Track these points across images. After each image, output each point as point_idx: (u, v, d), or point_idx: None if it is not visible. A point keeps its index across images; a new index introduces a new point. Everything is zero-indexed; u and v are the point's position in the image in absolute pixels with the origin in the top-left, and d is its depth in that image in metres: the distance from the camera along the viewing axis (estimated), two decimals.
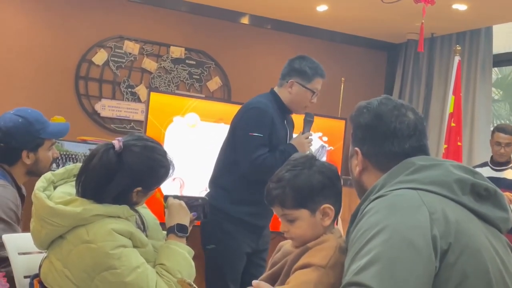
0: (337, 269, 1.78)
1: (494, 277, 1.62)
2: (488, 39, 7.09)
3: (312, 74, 3.91)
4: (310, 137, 3.88)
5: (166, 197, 2.55)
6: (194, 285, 1.84)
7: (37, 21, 6.44)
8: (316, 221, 1.86)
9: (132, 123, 6.86)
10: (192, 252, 2.38)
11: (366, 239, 1.61)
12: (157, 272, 2.25)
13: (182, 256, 2.32)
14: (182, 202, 2.42)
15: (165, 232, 2.51)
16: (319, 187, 1.87)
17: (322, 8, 6.84)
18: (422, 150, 1.84)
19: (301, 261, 1.80)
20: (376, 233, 1.60)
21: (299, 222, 1.86)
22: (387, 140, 1.83)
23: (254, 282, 1.81)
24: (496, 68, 7.31)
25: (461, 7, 6.28)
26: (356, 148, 1.89)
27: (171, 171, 2.41)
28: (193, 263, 2.37)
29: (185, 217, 2.41)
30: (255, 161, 3.65)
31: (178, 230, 2.37)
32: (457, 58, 6.17)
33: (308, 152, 3.67)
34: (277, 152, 3.69)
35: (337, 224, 5.90)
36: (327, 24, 7.49)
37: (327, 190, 1.89)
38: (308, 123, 3.93)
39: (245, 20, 7.37)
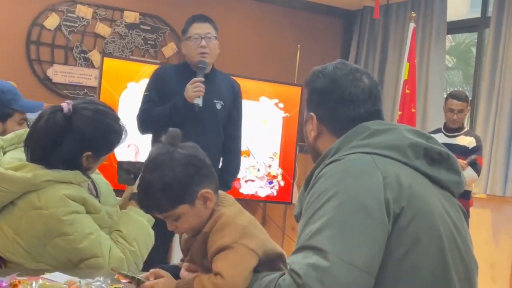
0: (252, 232, 1.74)
1: (446, 240, 1.64)
2: (442, 7, 7.12)
3: (187, 24, 3.97)
4: (199, 84, 3.77)
5: (119, 164, 2.52)
6: (131, 274, 1.80)
7: None
8: (199, 209, 1.76)
9: (85, 89, 6.75)
10: (153, 220, 2.34)
11: (320, 203, 1.62)
12: (112, 239, 2.23)
13: (140, 224, 2.30)
14: None
15: (119, 198, 2.49)
16: (188, 178, 1.76)
17: None
18: (376, 115, 1.83)
19: (214, 245, 1.72)
20: (330, 197, 1.61)
21: (183, 217, 1.76)
22: (342, 104, 1.82)
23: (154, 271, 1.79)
24: (450, 36, 7.35)
25: None
26: (311, 113, 1.87)
27: (123, 137, 2.35)
28: (151, 232, 2.35)
29: None
30: (139, 116, 3.89)
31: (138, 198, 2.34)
32: (412, 25, 6.21)
33: (196, 99, 3.72)
34: (166, 105, 3.81)
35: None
36: None
37: (196, 177, 1.78)
38: (199, 70, 3.85)
39: None
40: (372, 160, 1.68)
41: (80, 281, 1.80)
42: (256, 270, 1.71)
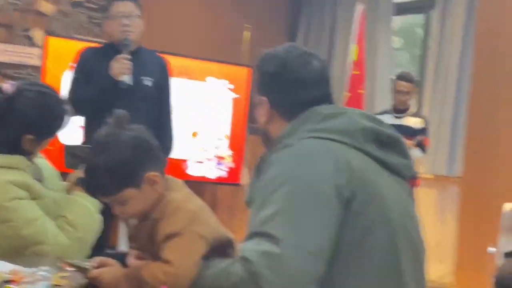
0: (201, 218, 1.71)
1: (397, 226, 1.66)
2: None
3: (109, 3, 3.98)
4: (124, 60, 3.74)
5: (66, 148, 2.46)
6: (77, 262, 1.75)
7: None
8: (146, 192, 1.72)
9: (28, 69, 6.58)
10: (98, 205, 2.29)
11: (272, 189, 1.61)
12: (58, 225, 2.17)
13: (86, 210, 2.25)
14: None
15: (64, 183, 2.43)
16: (135, 160, 1.72)
17: None
18: (327, 99, 1.83)
19: (163, 232, 1.68)
20: (281, 183, 1.60)
21: (130, 201, 1.72)
22: (294, 88, 1.82)
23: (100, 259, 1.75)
24: (397, 17, 7.40)
25: None
26: (262, 97, 1.86)
27: (66, 120, 2.30)
28: (97, 217, 2.30)
29: None
30: (68, 99, 3.73)
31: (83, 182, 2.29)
32: (360, 7, 6.23)
33: (124, 76, 3.71)
34: (93, 85, 3.78)
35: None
36: None
37: (143, 159, 1.74)
38: (124, 47, 3.81)
39: None
40: (323, 145, 1.68)
41: (24, 271, 1.75)
42: (206, 257, 1.68)
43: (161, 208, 1.73)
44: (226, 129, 5.88)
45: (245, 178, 5.98)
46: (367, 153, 1.71)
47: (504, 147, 5.86)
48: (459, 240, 6.09)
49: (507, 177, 5.72)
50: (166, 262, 1.64)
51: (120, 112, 1.80)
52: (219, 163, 5.85)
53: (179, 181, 1.81)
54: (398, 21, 7.52)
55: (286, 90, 1.82)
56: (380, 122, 1.82)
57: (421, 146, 5.45)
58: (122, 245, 4.70)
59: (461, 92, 6.36)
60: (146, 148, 1.76)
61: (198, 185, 5.84)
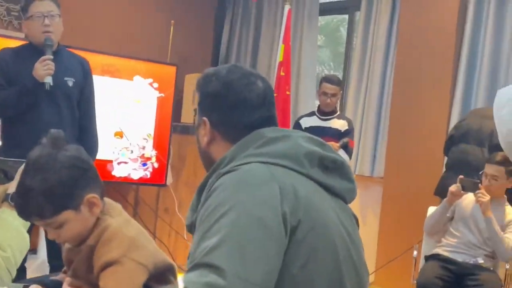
0: (140, 243, 1.68)
1: (341, 251, 1.66)
2: None
3: (26, 3, 3.81)
4: (48, 61, 3.64)
5: None
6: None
7: None
8: (84, 215, 1.68)
9: None
10: (28, 224, 2.18)
11: (215, 217, 1.57)
12: None
13: (14, 228, 2.16)
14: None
15: None
16: (73, 182, 1.68)
17: None
18: (271, 121, 1.82)
19: (100, 260, 1.65)
20: (226, 211, 1.57)
21: (67, 225, 1.68)
22: (236, 109, 1.79)
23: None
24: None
25: None
26: (204, 118, 1.83)
27: None
28: (26, 236, 2.20)
29: None
30: None
31: (11, 199, 2.19)
32: (287, 7, 6.25)
33: (46, 77, 3.61)
34: (14, 87, 3.66)
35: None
36: None
37: (82, 180, 1.70)
38: (47, 47, 3.71)
39: None
40: (268, 170, 1.65)
41: None
42: (146, 285, 1.64)
43: (98, 233, 1.68)
44: (151, 129, 5.80)
45: (169, 178, 5.93)
46: (311, 178, 1.70)
47: (423, 148, 5.99)
48: (379, 240, 6.20)
49: (426, 179, 5.84)
50: None
51: (55, 131, 1.73)
52: (143, 163, 5.77)
53: (118, 206, 1.76)
54: (321, 19, 7.57)
55: (228, 111, 1.80)
56: (325, 146, 1.80)
57: (346, 148, 5.50)
58: (42, 249, 4.60)
59: (384, 94, 6.47)
60: (85, 168, 1.71)
61: (122, 186, 5.76)
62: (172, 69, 5.95)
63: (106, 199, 1.75)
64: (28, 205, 1.67)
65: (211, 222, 1.56)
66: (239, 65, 1.89)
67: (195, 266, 1.53)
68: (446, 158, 5.46)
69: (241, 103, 1.78)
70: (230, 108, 1.79)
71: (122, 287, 1.59)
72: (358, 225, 1.86)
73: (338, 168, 1.77)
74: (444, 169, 5.49)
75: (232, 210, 1.56)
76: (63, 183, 1.65)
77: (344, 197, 1.79)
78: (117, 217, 1.72)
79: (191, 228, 1.70)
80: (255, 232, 1.54)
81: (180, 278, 1.65)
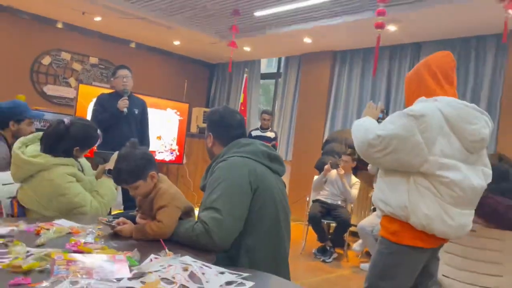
0: (177, 197, 1.61)
1: (278, 201, 1.64)
2: (258, 65, 7.20)
3: (115, 70, 3.68)
4: (125, 100, 3.54)
5: (95, 153, 2.29)
6: (110, 222, 1.59)
7: None
8: (148, 183, 1.61)
9: (66, 99, 6.14)
10: (115, 185, 2.08)
11: (217, 183, 1.56)
12: (92, 196, 2.01)
13: (108, 187, 2.10)
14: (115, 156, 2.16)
15: (94, 171, 2.24)
16: (142, 165, 1.59)
17: (176, 42, 6.53)
18: (244, 135, 1.79)
19: (157, 205, 1.57)
20: (222, 180, 1.56)
21: (140, 187, 1.60)
22: (227, 129, 1.76)
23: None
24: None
25: (247, 48, 6.30)
26: (210, 133, 1.79)
27: (98, 141, 2.13)
28: (115, 190, 2.13)
29: (111, 166, 2.17)
30: (92, 120, 3.49)
31: (108, 173, 2.14)
32: (245, 75, 6.22)
33: (124, 109, 3.50)
34: (107, 113, 3.53)
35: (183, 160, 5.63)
36: (180, 51, 7.18)
37: (147, 165, 1.61)
38: (124, 93, 3.58)
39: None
40: (243, 160, 1.63)
41: (78, 226, 1.60)
42: (180, 218, 1.61)
43: (156, 191, 1.64)
44: (175, 135, 5.71)
45: (184, 160, 5.83)
46: (264, 164, 1.68)
47: (312, 145, 6.05)
48: (289, 192, 6.23)
49: (312, 161, 5.90)
50: (159, 221, 1.55)
51: (133, 140, 1.68)
52: (171, 152, 5.67)
53: (165, 177, 1.71)
54: (262, 81, 7.55)
55: (223, 130, 1.77)
56: (270, 148, 1.77)
57: (274, 146, 5.50)
58: (118, 196, 4.45)
59: (292, 119, 6.50)
60: (148, 159, 1.66)
61: (161, 164, 5.65)
62: (186, 105, 5.85)
63: (160, 174, 1.71)
64: (120, 177, 1.62)
65: (215, 186, 1.55)
66: (229, 107, 1.86)
67: (205, 209, 1.52)
68: (322, 150, 5.52)
69: (229, 126, 1.75)
70: (223, 129, 1.76)
71: (168, 218, 1.55)
72: (285, 186, 1.86)
73: (276, 159, 1.75)
74: (321, 155, 5.54)
75: (225, 180, 1.55)
76: (137, 166, 1.61)
77: (280, 174, 1.77)
78: (165, 183, 1.67)
79: (203, 188, 1.68)
80: (237, 191, 1.53)
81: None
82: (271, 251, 1.56)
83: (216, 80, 7.90)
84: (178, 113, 5.74)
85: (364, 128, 1.81)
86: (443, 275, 2.34)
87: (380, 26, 3.39)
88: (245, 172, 1.58)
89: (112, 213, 2.27)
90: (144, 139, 3.86)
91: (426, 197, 1.68)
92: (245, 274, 1.19)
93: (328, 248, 4.33)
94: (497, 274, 2.15)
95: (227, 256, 1.52)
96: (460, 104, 1.73)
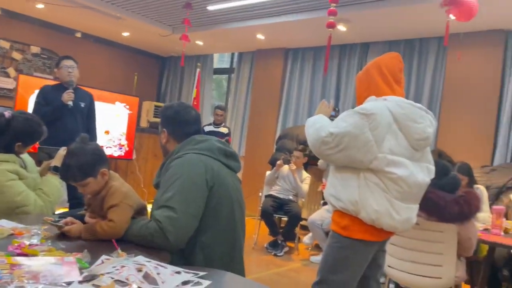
0: (129, 195, 1.56)
1: (234, 197, 1.64)
2: (211, 60, 7.14)
3: (59, 61, 3.51)
4: (70, 93, 3.37)
5: (39, 148, 2.16)
6: (57, 222, 1.51)
7: None
8: (99, 180, 1.55)
9: (5, 91, 5.71)
10: (62, 182, 1.99)
11: (172, 181, 1.52)
12: (37, 194, 1.90)
13: (55, 185, 1.98)
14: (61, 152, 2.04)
15: (38, 168, 2.12)
16: (93, 162, 1.53)
17: (126, 33, 6.29)
18: (199, 131, 1.76)
19: (108, 204, 1.51)
20: (177, 178, 1.52)
21: (89, 185, 1.54)
22: (181, 125, 1.72)
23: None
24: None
25: (200, 42, 6.23)
26: (164, 129, 1.75)
27: (42, 136, 2.00)
28: (60, 188, 2.02)
29: (57, 162, 2.05)
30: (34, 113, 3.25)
31: (53, 169, 2.02)
32: (198, 69, 6.13)
33: (69, 102, 3.34)
34: (50, 106, 3.33)
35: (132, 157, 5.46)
36: (129, 42, 6.93)
37: (98, 161, 1.55)
38: (69, 85, 3.40)
39: None
40: (198, 157, 1.61)
41: (21, 227, 1.49)
42: (133, 217, 1.55)
43: (107, 189, 1.57)
44: (124, 129, 5.51)
45: (134, 156, 5.66)
46: (220, 161, 1.66)
47: (264, 142, 6.11)
48: (243, 187, 6.24)
49: (265, 156, 5.96)
50: (110, 220, 1.49)
51: (83, 135, 1.60)
52: (120, 148, 5.47)
53: (116, 174, 1.65)
54: (214, 76, 7.49)
55: (177, 126, 1.72)
56: (226, 144, 1.76)
57: (227, 142, 5.47)
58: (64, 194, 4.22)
59: (245, 115, 6.52)
60: (99, 154, 1.59)
61: (110, 159, 5.43)
62: (136, 99, 5.67)
63: (111, 171, 1.64)
64: (69, 173, 1.54)
65: (169, 183, 1.51)
66: (183, 102, 1.82)
67: (159, 207, 1.48)
68: (275, 146, 5.58)
69: (184, 122, 1.72)
70: (178, 125, 1.72)
71: (120, 217, 1.49)
72: (240, 183, 1.85)
73: (232, 156, 1.74)
74: (274, 151, 5.61)
75: (180, 177, 1.51)
76: (88, 162, 1.53)
77: (235, 170, 1.76)
78: (117, 181, 1.61)
79: (157, 186, 1.63)
80: (192, 188, 1.50)
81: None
82: (227, 248, 1.56)
83: (168, 73, 7.72)
84: (128, 107, 5.55)
85: (317, 126, 1.85)
86: (388, 266, 2.46)
87: (331, 25, 3.47)
88: (201, 169, 1.55)
89: (57, 212, 2.16)
90: (91, 134, 3.69)
91: (375, 193, 1.75)
92: (201, 273, 1.18)
93: (279, 242, 4.40)
94: (438, 264, 2.29)
95: (182, 254, 1.49)
96: (407, 104, 1.82)
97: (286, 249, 4.40)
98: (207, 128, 5.55)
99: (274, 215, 4.38)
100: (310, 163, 4.80)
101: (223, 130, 5.51)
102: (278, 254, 4.27)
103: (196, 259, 1.50)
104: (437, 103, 4.74)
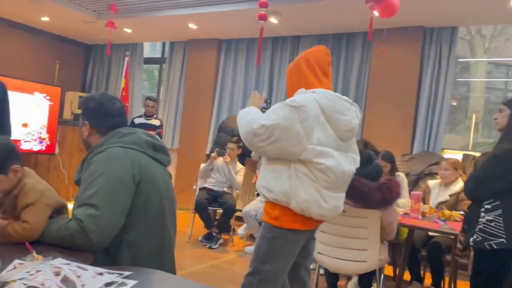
0: (46, 193, 1.45)
1: (163, 193, 1.58)
2: (140, 49, 6.85)
3: None
4: None
5: None
6: None
7: None
8: (10, 177, 1.42)
9: None
10: None
11: (94, 177, 1.42)
12: None
13: None
14: None
15: None
16: (3, 158, 1.41)
17: (45, 18, 5.81)
18: (124, 124, 1.67)
19: (22, 203, 1.40)
20: (100, 174, 1.43)
21: (0, 183, 1.41)
22: (105, 118, 1.62)
23: None
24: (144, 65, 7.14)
25: (128, 30, 5.96)
26: (85, 121, 1.63)
27: None
28: None
29: None
30: None
31: None
32: (126, 58, 5.87)
33: None
34: None
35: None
36: (49, 28, 6.41)
37: (9, 157, 1.43)
38: None
39: None
40: (124, 151, 1.52)
41: None
42: (51, 217, 1.44)
43: (20, 187, 1.44)
44: (45, 122, 5.12)
45: (56, 150, 5.29)
46: (148, 155, 1.59)
47: (199, 135, 6.02)
48: (175, 182, 6.14)
49: (200, 150, 5.89)
50: (24, 221, 1.37)
51: None
52: (41, 142, 5.07)
53: (31, 171, 1.51)
54: (145, 66, 7.22)
55: (100, 118, 1.62)
56: (154, 137, 1.68)
57: (159, 134, 5.32)
58: None
59: (178, 106, 6.37)
60: (10, 150, 1.44)
61: (28, 154, 5.03)
62: (58, 89, 5.29)
63: (25, 167, 1.49)
64: None
65: (91, 179, 1.42)
66: (107, 93, 1.71)
67: (81, 205, 1.38)
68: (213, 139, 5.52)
69: (107, 114, 1.62)
70: (101, 117, 1.62)
71: (35, 217, 1.37)
72: (171, 177, 1.80)
73: (161, 149, 1.67)
74: (212, 144, 5.55)
75: (104, 173, 1.42)
76: None
77: (165, 164, 1.69)
78: (32, 178, 1.47)
79: (78, 182, 1.53)
80: (117, 184, 1.42)
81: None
82: (156, 245, 1.50)
83: (94, 62, 7.29)
84: (48, 97, 5.16)
85: (249, 118, 1.85)
86: (318, 253, 2.56)
87: (263, 17, 3.49)
88: (127, 163, 1.47)
89: None
90: (3, 126, 3.37)
91: (305, 183, 1.80)
92: (126, 273, 1.12)
93: (214, 234, 4.39)
94: (363, 248, 2.42)
95: (107, 254, 1.41)
96: (335, 96, 1.88)
97: (221, 241, 4.40)
98: (137, 120, 5.34)
99: (209, 207, 4.35)
100: (247, 154, 4.82)
101: (155, 122, 5.33)
102: (213, 247, 4.26)
103: (122, 259, 1.42)
104: (363, 96, 4.99)
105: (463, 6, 3.94)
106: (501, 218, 2.01)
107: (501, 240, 2.00)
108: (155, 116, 5.42)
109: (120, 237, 1.42)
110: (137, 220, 1.46)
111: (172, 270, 1.57)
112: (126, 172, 1.45)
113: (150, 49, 8.28)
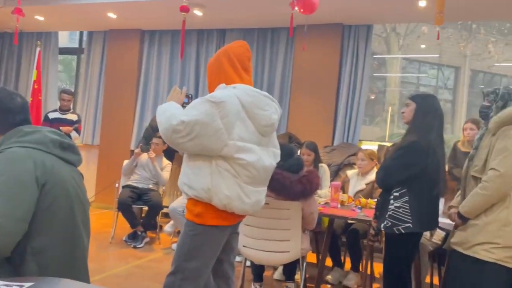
0: None
1: (73, 195, 1.48)
2: (55, 38, 6.37)
3: None
4: None
5: None
6: None
7: None
8: None
9: None
10: None
11: None
12: None
13: None
14: None
15: None
16: None
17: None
18: (27, 121, 1.53)
19: None
20: None
21: None
22: (5, 115, 1.48)
23: None
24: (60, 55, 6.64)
25: (40, 18, 5.48)
26: None
27: None
28: None
29: None
30: None
31: None
32: (38, 48, 5.42)
33: None
34: None
35: None
36: None
37: None
38: None
39: None
40: (26, 151, 1.40)
41: None
42: None
43: None
44: None
45: None
46: (54, 155, 1.48)
47: (123, 129, 5.77)
48: (97, 179, 5.85)
49: (124, 145, 5.66)
50: None
51: None
52: None
53: None
54: (60, 56, 6.72)
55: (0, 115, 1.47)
56: (62, 135, 1.57)
57: (77, 130, 5.01)
58: None
59: (99, 100, 6.03)
60: None
61: None
62: None
63: None
64: None
65: None
66: (6, 87, 1.55)
67: None
68: (139, 133, 5.32)
69: (7, 111, 1.47)
70: (0, 114, 1.47)
71: None
72: (83, 177, 1.68)
73: (70, 148, 1.56)
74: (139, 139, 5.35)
75: (3, 175, 1.30)
76: None
77: (75, 165, 1.59)
78: None
79: None
80: (18, 188, 1.30)
81: None
82: (66, 251, 1.41)
83: (1, 52, 6.63)
84: None
85: (168, 114, 1.81)
86: (243, 246, 2.59)
87: (185, 9, 3.41)
88: (29, 165, 1.36)
89: None
90: None
91: (227, 179, 1.80)
92: (28, 284, 1.03)
93: (139, 233, 4.25)
94: (286, 239, 2.50)
95: (8, 264, 1.30)
96: (255, 92, 1.90)
97: (146, 239, 4.28)
98: (52, 115, 4.98)
99: (133, 206, 4.20)
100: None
101: (72, 116, 5.01)
102: (138, 246, 4.13)
103: (27, 268, 1.32)
104: (288, 90, 5.12)
105: (377, 4, 4.19)
106: (407, 205, 2.18)
107: (408, 225, 2.18)
108: (71, 110, 5.09)
109: (24, 245, 1.31)
110: (43, 226, 1.36)
111: (85, 277, 1.48)
112: (28, 174, 1.34)
113: (69, 38, 7.74)
